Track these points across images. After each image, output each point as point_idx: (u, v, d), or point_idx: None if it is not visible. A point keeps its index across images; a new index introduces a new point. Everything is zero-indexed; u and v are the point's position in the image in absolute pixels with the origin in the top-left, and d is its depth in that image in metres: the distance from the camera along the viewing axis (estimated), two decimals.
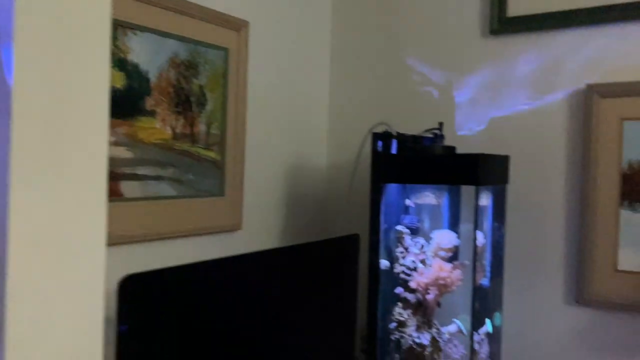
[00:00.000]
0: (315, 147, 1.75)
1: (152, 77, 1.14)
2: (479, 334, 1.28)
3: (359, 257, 1.11)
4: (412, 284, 1.30)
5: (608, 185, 1.35)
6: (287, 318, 0.94)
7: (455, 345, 1.32)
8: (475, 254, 1.22)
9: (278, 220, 1.58)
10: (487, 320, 1.33)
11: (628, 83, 1.32)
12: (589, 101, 1.36)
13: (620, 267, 1.34)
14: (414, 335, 1.30)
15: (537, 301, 1.46)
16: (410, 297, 1.33)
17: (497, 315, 1.40)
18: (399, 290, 1.36)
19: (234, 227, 1.39)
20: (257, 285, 0.87)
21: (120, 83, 1.08)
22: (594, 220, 1.36)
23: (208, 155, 1.30)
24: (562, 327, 1.42)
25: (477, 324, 1.26)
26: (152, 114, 1.15)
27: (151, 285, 0.69)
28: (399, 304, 1.35)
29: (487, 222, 1.36)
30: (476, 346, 1.25)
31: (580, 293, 1.38)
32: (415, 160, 1.27)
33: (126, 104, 1.09)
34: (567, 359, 1.42)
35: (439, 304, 1.32)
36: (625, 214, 1.33)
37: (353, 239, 1.09)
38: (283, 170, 1.60)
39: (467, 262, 1.28)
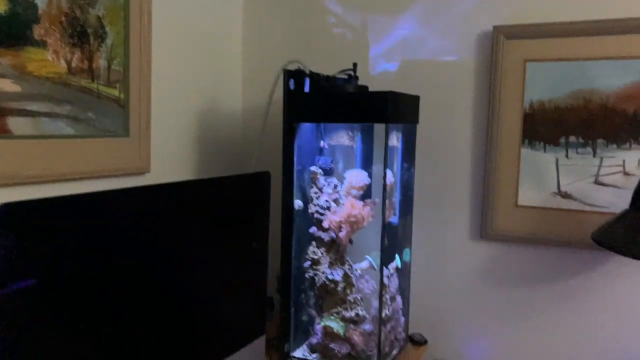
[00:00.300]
0: (229, 88, 1.70)
1: (41, 3, 1.04)
2: (388, 269, 1.33)
3: (269, 195, 1.10)
4: (325, 223, 1.32)
5: (511, 125, 1.41)
6: (193, 257, 0.92)
7: (366, 281, 1.36)
8: (385, 192, 1.24)
9: (190, 163, 1.54)
10: (397, 256, 1.38)
11: (532, 25, 1.36)
12: (495, 43, 1.39)
13: (520, 203, 1.42)
14: (327, 272, 1.32)
15: (445, 237, 1.52)
16: (323, 235, 1.35)
17: (406, 251, 1.45)
18: (313, 229, 1.37)
19: (142, 170, 1.34)
20: (156, 222, 0.84)
21: (2, 8, 0.98)
22: (498, 159, 1.43)
23: (110, 92, 1.22)
24: (467, 261, 1.50)
25: (386, 259, 1.30)
26: (42, 44, 1.06)
27: (31, 216, 0.64)
28: (313, 243, 1.37)
29: (397, 161, 1.38)
30: (386, 280, 1.29)
31: (484, 228, 1.46)
32: (327, 98, 1.26)
33: (10, 31, 0.99)
34: (472, 290, 1.50)
35: (350, 241, 1.35)
36: (525, 153, 1.40)
37: (263, 177, 1.08)
38: (195, 112, 1.54)
39: (377, 200, 1.30)
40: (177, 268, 0.88)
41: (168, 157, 1.45)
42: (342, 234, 1.31)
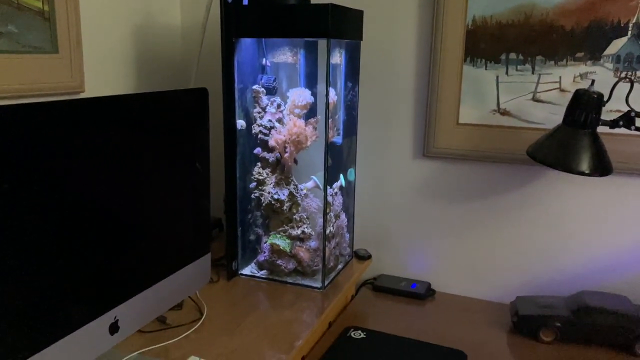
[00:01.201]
0: (167, 0, 1.61)
1: None
2: (332, 189, 1.35)
3: (208, 113, 1.07)
4: (270, 142, 1.31)
5: (454, 42, 1.41)
6: (132, 175, 0.90)
7: (312, 200, 1.38)
8: (328, 111, 1.23)
9: (127, 81, 1.47)
10: (341, 176, 1.40)
11: None
12: None
13: (461, 121, 1.44)
14: (273, 192, 1.33)
15: (389, 157, 1.55)
16: (268, 156, 1.35)
17: (350, 171, 1.47)
18: (257, 150, 1.36)
19: (75, 89, 1.27)
20: (90, 138, 0.81)
21: None
22: (441, 77, 1.43)
23: (31, 4, 1.13)
24: (410, 179, 1.54)
25: (331, 179, 1.31)
26: None
27: None
28: (258, 164, 1.36)
29: (340, 80, 1.37)
30: (330, 199, 1.32)
31: (427, 147, 1.49)
32: (266, 11, 1.21)
33: None
34: (414, 206, 1.55)
35: (295, 161, 1.35)
36: (467, 70, 1.41)
37: (201, 93, 1.05)
38: (131, 27, 1.46)
39: (319, 117, 1.30)
40: (117, 187, 0.86)
41: (104, 76, 1.38)
42: (286, 154, 1.31)
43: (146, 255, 0.96)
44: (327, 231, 1.31)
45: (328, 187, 1.29)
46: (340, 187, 1.39)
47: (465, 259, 1.53)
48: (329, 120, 1.24)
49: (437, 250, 1.56)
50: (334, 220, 1.36)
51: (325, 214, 1.29)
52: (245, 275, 1.38)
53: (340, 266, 1.44)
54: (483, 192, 1.48)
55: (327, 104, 1.23)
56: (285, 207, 1.33)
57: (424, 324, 1.36)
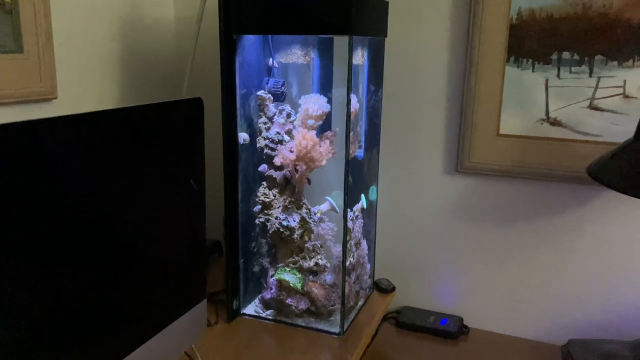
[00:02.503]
0: None
1: None
2: (352, 212, 1.14)
3: (202, 127, 0.86)
4: (278, 160, 1.10)
5: (494, 39, 1.19)
6: (115, 202, 0.69)
7: (327, 225, 1.17)
8: (349, 121, 1.02)
9: (109, 86, 1.26)
10: (362, 196, 1.18)
11: None
12: None
13: (502, 131, 1.23)
14: (281, 217, 1.12)
15: (415, 172, 1.34)
16: (276, 174, 1.13)
17: (372, 189, 1.26)
18: (262, 167, 1.15)
19: (45, 96, 1.06)
20: (67, 160, 0.61)
21: None
22: (479, 80, 1.22)
23: None
24: (441, 198, 1.32)
25: (351, 200, 1.10)
26: None
27: None
28: (264, 183, 1.15)
29: (362, 84, 1.16)
30: (350, 224, 1.10)
31: (461, 161, 1.27)
32: (275, 3, 1.00)
33: None
34: (445, 230, 1.34)
35: (308, 181, 1.14)
36: (510, 72, 1.20)
37: (194, 104, 0.84)
38: (115, 21, 1.25)
39: (337, 129, 1.08)
40: (94, 220, 0.66)
41: (81, 80, 1.17)
42: (298, 173, 1.10)
43: (127, 309, 0.75)
44: (347, 263, 1.10)
45: (348, 209, 1.07)
46: (362, 209, 1.18)
47: (504, 292, 1.32)
48: (350, 133, 1.03)
49: (471, 280, 1.34)
50: (354, 250, 1.15)
51: (345, 242, 1.08)
52: (249, 315, 1.17)
53: (360, 302, 1.23)
54: (527, 215, 1.26)
55: (349, 114, 1.01)
56: (295, 235, 1.12)
57: None
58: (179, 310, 0.88)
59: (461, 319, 1.34)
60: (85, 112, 0.66)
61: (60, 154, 0.62)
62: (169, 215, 0.82)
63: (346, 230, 1.08)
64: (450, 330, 1.30)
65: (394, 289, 1.32)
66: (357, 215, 1.15)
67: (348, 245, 1.10)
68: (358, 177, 1.16)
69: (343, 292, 1.10)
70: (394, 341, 1.29)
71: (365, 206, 1.19)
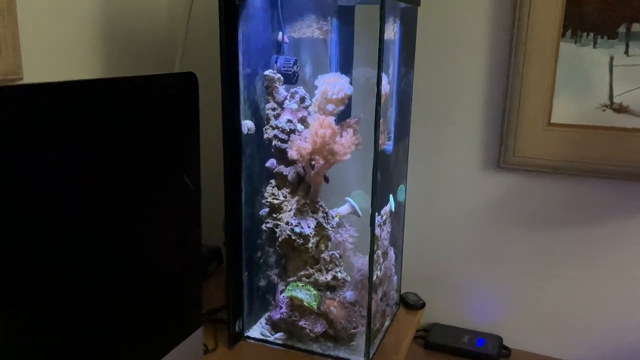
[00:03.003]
0: None
1: None
2: (380, 215, 0.94)
3: (197, 108, 0.67)
4: (290, 153, 0.90)
5: (547, 9, 1.00)
6: (85, 199, 0.51)
7: (346, 231, 0.98)
8: (379, 105, 0.83)
9: (85, 64, 1.07)
10: (390, 197, 0.99)
11: None
12: None
13: (554, 120, 1.03)
14: (293, 222, 0.93)
15: (448, 168, 1.14)
16: (286, 171, 0.94)
17: (401, 188, 1.06)
18: (271, 162, 0.96)
19: (6, 76, 0.87)
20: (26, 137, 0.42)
21: None
22: (527, 59, 1.03)
23: None
24: (478, 199, 1.13)
25: (378, 202, 0.91)
26: None
27: None
28: (272, 182, 0.96)
29: (393, 62, 0.96)
30: (377, 231, 0.91)
31: (504, 155, 1.08)
32: None
33: None
34: (482, 235, 1.15)
35: (326, 179, 0.95)
36: (566, 48, 1.00)
37: (187, 80, 0.64)
38: None
39: (361, 116, 0.89)
40: (63, 228, 0.47)
41: (50, 56, 0.98)
42: (313, 170, 0.91)
43: (106, 347, 0.57)
44: (374, 277, 0.91)
45: (376, 213, 0.88)
46: (390, 213, 0.99)
47: (552, 308, 1.13)
48: (380, 121, 0.83)
49: (512, 294, 1.15)
50: (381, 261, 0.96)
51: (372, 253, 0.89)
52: (254, 339, 0.98)
53: (386, 323, 1.04)
54: (583, 220, 1.07)
55: (379, 95, 0.82)
56: (310, 244, 0.93)
57: None
58: (166, 345, 0.69)
59: (500, 339, 1.15)
60: (47, 82, 0.47)
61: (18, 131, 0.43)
62: (154, 219, 0.63)
63: (373, 237, 0.89)
64: (488, 352, 1.11)
65: (423, 305, 1.12)
66: (385, 220, 0.96)
67: (375, 255, 0.91)
68: (386, 174, 0.97)
69: (369, 313, 0.91)
70: None
71: (393, 209, 1.00)
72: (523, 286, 1.14)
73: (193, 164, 0.70)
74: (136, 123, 0.59)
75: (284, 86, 0.93)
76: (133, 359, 0.62)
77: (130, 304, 0.61)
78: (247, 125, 0.91)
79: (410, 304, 1.12)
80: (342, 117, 0.92)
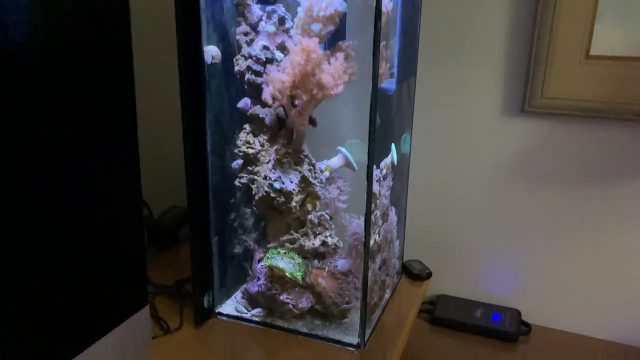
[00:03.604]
0: None
1: None
2: (380, 169, 0.76)
3: (128, 21, 0.48)
4: (268, 92, 0.72)
5: None
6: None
7: (338, 188, 0.81)
8: (379, 23, 0.64)
9: None
10: (393, 147, 0.81)
11: None
12: None
13: (594, 52, 0.84)
14: (272, 176, 0.75)
15: (464, 114, 0.96)
16: (263, 113, 0.76)
17: (405, 137, 0.88)
18: (244, 103, 0.77)
19: None
20: None
21: None
22: None
23: None
24: (497, 150, 0.95)
25: (377, 152, 0.72)
26: None
27: None
28: (246, 126, 0.78)
29: None
30: (376, 187, 0.73)
31: (531, 96, 0.89)
32: None
33: None
34: (499, 193, 0.98)
35: (312, 122, 0.77)
36: None
37: None
38: None
39: (355, 41, 0.70)
40: None
41: None
42: (295, 109, 0.72)
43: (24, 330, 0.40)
44: (371, 242, 0.73)
45: (374, 166, 0.70)
46: (391, 166, 0.81)
47: (579, 279, 0.96)
48: (380, 46, 0.65)
49: (533, 261, 0.99)
50: (380, 223, 0.79)
51: (368, 213, 0.72)
52: (227, 316, 0.82)
53: (386, 296, 0.88)
54: (624, 174, 0.89)
55: (379, 11, 0.63)
56: (294, 203, 0.76)
57: None
58: (98, 329, 0.52)
59: (519, 314, 0.99)
60: None
61: None
62: (78, 170, 0.46)
63: (371, 195, 0.71)
64: (505, 329, 0.95)
65: (430, 274, 0.96)
66: (386, 174, 0.78)
67: (373, 216, 0.74)
68: (387, 118, 0.78)
69: (365, 285, 0.74)
70: (428, 343, 0.95)
71: (396, 161, 0.82)
72: (546, 253, 0.97)
73: (125, 110, 0.51)
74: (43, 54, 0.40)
75: (258, 5, 0.74)
76: (53, 345, 0.46)
77: (48, 278, 0.44)
78: (211, 52, 0.72)
79: (415, 273, 0.95)
80: (333, 40, 0.73)
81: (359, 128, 0.76)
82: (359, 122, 0.72)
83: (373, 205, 0.73)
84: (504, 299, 1.02)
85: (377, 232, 0.77)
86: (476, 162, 0.97)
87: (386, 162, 0.77)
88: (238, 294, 0.85)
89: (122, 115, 0.50)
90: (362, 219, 0.74)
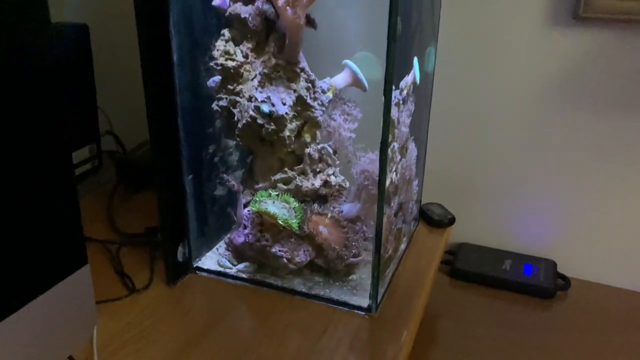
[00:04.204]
0: None
1: None
2: (400, 90, 0.59)
3: None
4: None
5: None
6: None
7: (345, 114, 0.64)
8: None
9: None
10: (415, 61, 0.63)
11: None
12: None
13: None
14: (259, 97, 0.58)
15: (500, 23, 0.77)
16: (246, 12, 0.58)
17: (429, 51, 0.70)
18: (221, 0, 0.59)
19: None
20: None
21: None
22: None
23: None
24: (542, 66, 0.78)
25: (396, 69, 0.54)
26: None
27: None
28: (224, 32, 0.60)
29: None
30: (394, 112, 0.56)
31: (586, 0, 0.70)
32: None
33: None
34: (541, 120, 0.81)
35: (312, 23, 0.59)
36: None
37: None
38: None
39: None
40: None
41: None
42: (289, 10, 0.54)
43: None
44: (387, 182, 0.57)
45: (392, 87, 0.53)
46: (412, 86, 0.63)
47: (627, 224, 0.81)
48: None
49: (573, 205, 0.83)
50: (398, 158, 0.62)
51: (385, 145, 0.55)
52: (207, 272, 0.67)
53: (402, 246, 0.72)
54: None
55: None
56: (287, 132, 0.59)
57: (558, 345, 0.68)
58: (27, 293, 0.37)
59: (554, 265, 0.85)
60: None
61: None
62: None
63: (388, 122, 0.54)
64: (539, 283, 0.81)
65: (452, 220, 0.80)
66: (406, 97, 0.61)
67: (390, 150, 0.57)
68: (408, 25, 0.60)
69: (379, 235, 0.58)
70: (446, 300, 0.81)
71: (418, 80, 0.64)
72: (590, 196, 0.81)
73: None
74: None
75: None
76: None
77: None
78: None
79: (435, 219, 0.79)
80: None
81: (372, 37, 0.59)
82: (373, 28, 0.55)
83: (390, 135, 0.56)
84: (536, 247, 0.87)
85: (394, 169, 0.61)
86: (512, 84, 0.80)
87: (407, 81, 0.60)
88: (221, 245, 0.69)
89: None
90: (375, 153, 0.57)
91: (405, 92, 0.60)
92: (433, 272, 0.70)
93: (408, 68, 0.62)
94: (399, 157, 0.62)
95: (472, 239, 0.90)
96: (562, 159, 0.82)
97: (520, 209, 0.87)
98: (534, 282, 0.81)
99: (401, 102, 0.59)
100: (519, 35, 0.77)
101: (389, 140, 0.56)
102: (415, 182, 0.74)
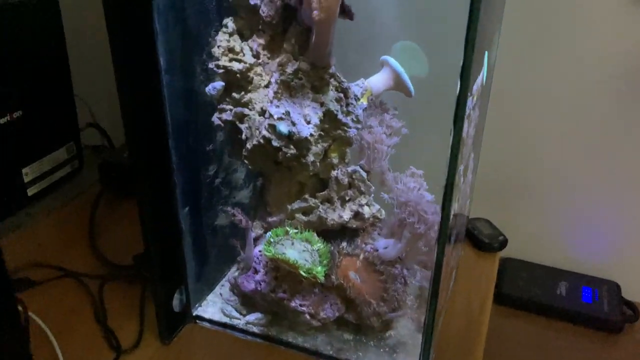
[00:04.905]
0: None
1: None
2: (471, 94, 0.43)
3: None
4: None
5: None
6: None
7: (384, 126, 0.49)
8: None
9: None
10: (485, 56, 0.47)
11: None
12: None
13: None
14: (274, 112, 0.43)
15: (571, 4, 0.62)
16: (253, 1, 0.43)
17: (494, 42, 0.54)
18: None
19: None
20: None
21: None
22: None
23: None
24: (620, 57, 0.62)
25: (473, 59, 0.39)
26: None
27: None
28: (227, 22, 0.45)
29: None
30: (465, 127, 0.41)
31: None
32: None
33: None
34: (614, 115, 0.66)
35: (347, 12, 0.43)
36: None
37: None
38: None
39: None
40: None
41: None
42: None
43: None
44: (450, 213, 0.42)
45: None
46: (480, 87, 0.48)
47: None
48: None
49: (637, 216, 0.69)
50: (461, 180, 0.47)
51: (453, 169, 0.40)
52: (210, 323, 0.53)
53: (451, 283, 0.59)
54: None
55: None
56: (310, 156, 0.45)
57: None
58: None
59: (618, 288, 0.72)
60: None
61: None
62: None
63: (459, 142, 0.39)
64: (604, 315, 0.68)
65: (504, 243, 0.66)
66: (475, 102, 0.46)
67: (456, 174, 0.42)
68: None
69: (436, 285, 0.44)
70: (493, 334, 0.68)
71: (484, 80, 0.49)
72: None
73: None
74: None
75: None
76: None
77: None
78: None
79: (485, 242, 0.65)
80: None
81: (411, 19, 0.44)
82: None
83: (459, 154, 0.41)
84: (596, 267, 0.74)
85: (457, 198, 0.46)
86: (581, 75, 0.65)
87: (477, 83, 0.45)
88: (224, 285, 0.56)
89: None
90: (418, 171, 0.43)
91: (475, 97, 0.45)
92: (488, 314, 0.57)
93: (479, 67, 0.46)
94: (462, 179, 0.47)
95: (517, 252, 0.77)
96: (632, 166, 0.68)
97: (577, 220, 0.73)
98: (597, 314, 0.68)
99: (471, 111, 0.44)
100: (596, 14, 0.61)
101: (458, 162, 0.41)
102: (467, 201, 0.60)
